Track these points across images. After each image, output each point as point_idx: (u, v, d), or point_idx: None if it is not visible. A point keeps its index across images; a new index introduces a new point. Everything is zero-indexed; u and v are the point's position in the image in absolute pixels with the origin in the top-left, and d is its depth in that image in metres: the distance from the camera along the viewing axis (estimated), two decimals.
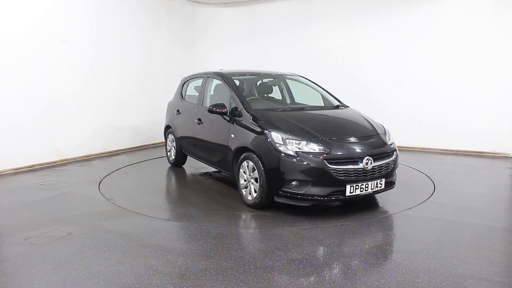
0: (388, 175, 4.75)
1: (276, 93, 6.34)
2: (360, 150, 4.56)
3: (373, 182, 4.55)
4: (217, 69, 6.58)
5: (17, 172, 6.64)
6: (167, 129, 7.33)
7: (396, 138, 8.74)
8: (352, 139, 4.72)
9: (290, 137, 4.52)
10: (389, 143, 4.95)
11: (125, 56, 8.64)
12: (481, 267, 3.31)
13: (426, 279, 3.10)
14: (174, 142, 7.05)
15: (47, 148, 7.19)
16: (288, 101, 6.19)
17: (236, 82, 5.73)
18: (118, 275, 3.19)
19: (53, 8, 7.13)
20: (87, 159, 7.77)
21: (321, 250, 3.70)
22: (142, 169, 7.17)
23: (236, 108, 5.22)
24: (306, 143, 4.46)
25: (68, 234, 4.03)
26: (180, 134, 6.81)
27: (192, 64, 10.50)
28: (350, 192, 4.42)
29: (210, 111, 5.38)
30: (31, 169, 6.84)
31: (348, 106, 5.82)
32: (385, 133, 5.10)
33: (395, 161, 4.88)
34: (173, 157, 7.16)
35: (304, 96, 6.36)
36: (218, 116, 5.44)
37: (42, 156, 7.11)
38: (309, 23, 9.60)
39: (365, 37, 9.02)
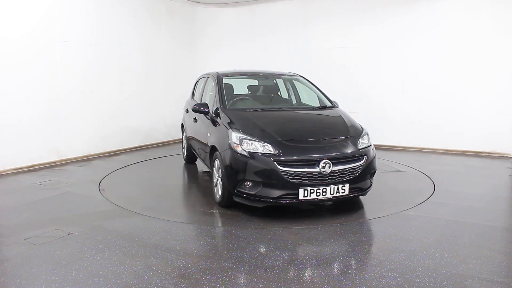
0: (354, 181, 4.49)
1: (283, 93, 6.41)
2: (317, 153, 4.37)
3: (333, 187, 4.34)
4: (231, 69, 6.76)
5: (17, 172, 6.64)
6: (182, 127, 7.54)
7: (396, 138, 8.85)
8: (314, 142, 4.57)
9: (246, 137, 4.51)
10: (360, 146, 4.67)
11: (125, 56, 8.64)
12: (481, 267, 3.31)
13: (426, 279, 3.10)
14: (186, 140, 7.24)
15: (47, 148, 7.19)
16: (294, 101, 6.17)
17: (224, 82, 5.79)
18: (118, 275, 3.19)
19: (53, 8, 7.13)
20: (87, 159, 7.77)
21: (321, 250, 3.69)
22: (142, 169, 7.17)
23: (218, 108, 5.32)
24: (261, 144, 4.42)
25: (68, 234, 4.03)
26: (187, 132, 6.99)
27: (192, 64, 10.50)
28: (304, 196, 4.28)
29: (194, 110, 5.56)
30: (31, 169, 6.84)
31: (336, 107, 5.64)
32: (359, 136, 4.81)
33: (365, 166, 4.58)
34: (185, 154, 7.36)
35: (301, 96, 6.38)
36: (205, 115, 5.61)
37: (42, 156, 7.11)
38: (309, 23, 9.60)
39: (365, 37, 9.02)
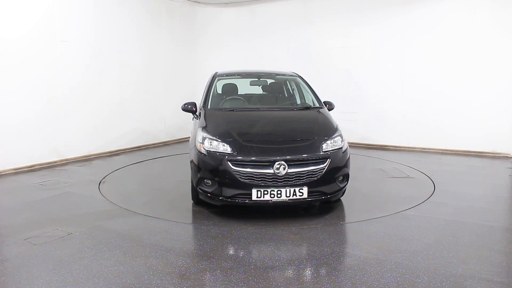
0: (315, 184, 4.33)
1: (279, 93, 6.34)
2: (273, 154, 4.29)
3: (288, 189, 4.24)
4: (234, 69, 6.80)
5: (17, 172, 6.64)
6: None
7: (396, 138, 8.85)
8: (273, 143, 4.52)
9: (209, 136, 4.57)
10: (325, 149, 4.47)
11: (125, 56, 8.64)
12: (481, 267, 3.31)
13: (426, 279, 3.10)
14: None
15: (47, 148, 7.19)
16: (298, 102, 6.02)
17: (227, 82, 5.80)
18: (118, 275, 3.19)
19: (52, 8, 7.12)
20: (87, 159, 7.77)
21: (321, 250, 3.69)
22: (142, 169, 7.17)
23: (201, 107, 5.41)
24: (220, 143, 4.45)
25: (68, 234, 4.03)
26: None
27: (192, 64, 10.51)
28: (258, 197, 4.23)
29: (182, 108, 5.58)
30: (31, 169, 6.84)
31: (322, 107, 5.45)
32: (329, 138, 4.60)
33: (328, 169, 4.37)
34: None
35: (298, 96, 6.33)
36: None
37: (42, 156, 7.11)
38: (309, 23, 9.60)
39: (365, 37, 9.02)
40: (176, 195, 5.63)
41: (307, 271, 3.29)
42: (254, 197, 4.25)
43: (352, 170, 6.54)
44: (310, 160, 4.37)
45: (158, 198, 5.39)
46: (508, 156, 7.81)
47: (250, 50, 10.27)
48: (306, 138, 4.62)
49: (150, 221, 4.46)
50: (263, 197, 4.25)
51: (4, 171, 6.55)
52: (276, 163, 4.22)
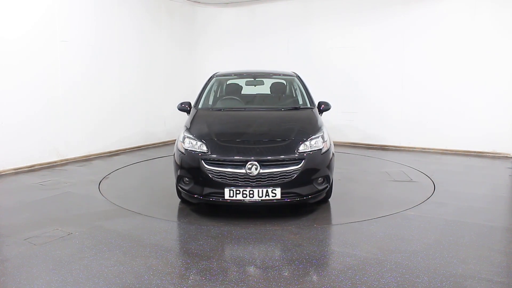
0: (288, 185, 4.27)
1: (283, 93, 6.28)
2: (245, 155, 4.29)
3: (261, 189, 4.22)
4: (236, 69, 6.85)
5: (17, 172, 6.64)
6: None
7: (396, 138, 8.85)
8: (248, 143, 4.49)
9: (188, 135, 4.67)
10: (302, 150, 4.41)
11: (125, 56, 8.64)
12: (481, 267, 3.31)
13: (426, 279, 3.10)
14: None
15: (47, 148, 7.19)
16: (292, 102, 5.93)
17: (230, 82, 5.86)
18: (118, 275, 3.19)
19: (52, 8, 7.13)
20: (87, 159, 7.77)
21: (321, 250, 3.69)
22: (142, 169, 7.17)
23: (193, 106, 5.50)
24: (197, 142, 4.53)
25: (68, 234, 4.03)
26: None
27: (192, 64, 10.51)
28: (230, 196, 4.25)
29: (178, 108, 5.63)
30: (31, 169, 6.84)
31: (313, 108, 5.40)
32: (308, 139, 4.53)
33: (302, 170, 4.30)
34: None
35: (296, 95, 6.32)
36: None
37: (42, 156, 7.11)
38: (309, 23, 9.60)
39: (365, 37, 9.02)
40: (176, 194, 5.64)
41: (307, 271, 3.29)
42: (226, 196, 4.28)
43: (354, 172, 6.62)
44: (283, 161, 4.33)
45: (158, 198, 5.39)
46: (508, 156, 7.81)
47: (250, 50, 10.27)
48: (283, 139, 4.56)
49: (150, 221, 4.46)
50: (235, 197, 4.27)
51: (4, 171, 6.55)
52: (248, 163, 4.24)
